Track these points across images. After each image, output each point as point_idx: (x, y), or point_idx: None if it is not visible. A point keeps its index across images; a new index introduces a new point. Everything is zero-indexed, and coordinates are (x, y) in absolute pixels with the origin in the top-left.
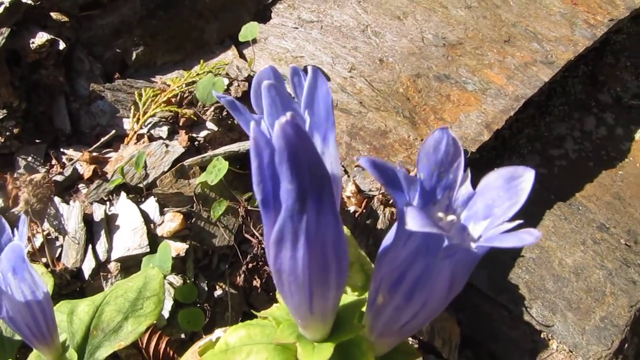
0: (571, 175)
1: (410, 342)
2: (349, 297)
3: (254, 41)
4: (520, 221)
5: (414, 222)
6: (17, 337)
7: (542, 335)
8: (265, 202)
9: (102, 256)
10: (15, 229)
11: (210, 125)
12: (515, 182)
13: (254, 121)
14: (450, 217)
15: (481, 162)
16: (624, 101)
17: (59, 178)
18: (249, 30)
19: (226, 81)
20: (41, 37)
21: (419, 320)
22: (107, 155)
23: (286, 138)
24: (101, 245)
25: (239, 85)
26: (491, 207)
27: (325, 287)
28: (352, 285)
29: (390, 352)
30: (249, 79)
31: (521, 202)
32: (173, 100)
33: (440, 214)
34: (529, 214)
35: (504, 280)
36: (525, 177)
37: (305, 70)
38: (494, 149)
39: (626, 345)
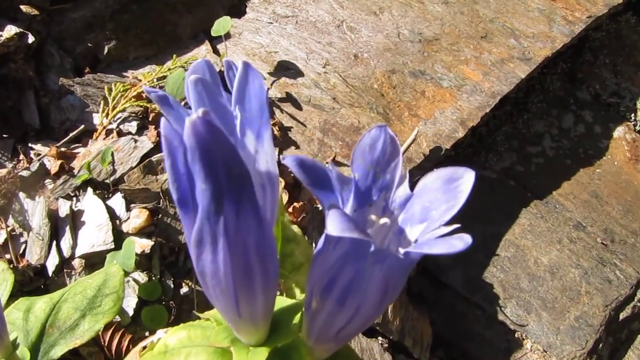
0: (548, 173)
1: (380, 341)
2: (287, 300)
3: (227, 36)
4: (457, 225)
5: (333, 226)
6: None
7: (516, 335)
8: (183, 202)
9: (67, 252)
10: None
11: None
12: (454, 184)
13: (163, 117)
14: (384, 220)
15: (457, 160)
16: (603, 99)
17: (25, 173)
18: (222, 24)
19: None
20: (9, 31)
21: (354, 326)
22: (76, 151)
23: (197, 135)
24: (66, 241)
25: None
26: (428, 210)
27: (251, 293)
28: (302, 286)
29: (331, 358)
30: (220, 74)
31: (459, 205)
32: (143, 95)
33: (373, 217)
34: (505, 213)
35: (478, 279)
36: (465, 179)
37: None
38: (471, 146)
39: (600, 345)
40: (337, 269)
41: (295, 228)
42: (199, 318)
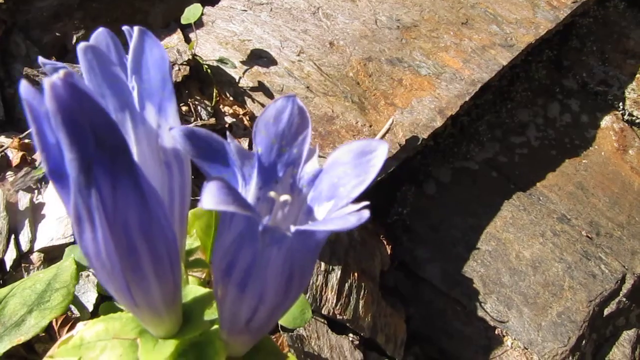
0: (533, 164)
1: (351, 338)
2: (200, 289)
3: (200, 24)
4: (366, 202)
5: (207, 198)
6: None
7: (496, 332)
8: (57, 175)
9: (25, 246)
10: None
11: None
12: (366, 158)
13: (23, 79)
14: (284, 197)
15: (438, 151)
16: (590, 87)
17: None
18: (192, 12)
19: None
20: None
21: (261, 317)
22: None
23: (58, 99)
24: (24, 235)
25: (179, 70)
26: (337, 187)
27: (140, 276)
28: None
29: (252, 351)
30: (189, 63)
31: (369, 180)
32: None
33: (273, 194)
34: (487, 205)
35: (457, 273)
36: (378, 152)
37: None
38: (452, 136)
39: (584, 342)
40: (234, 251)
41: None
42: (122, 310)
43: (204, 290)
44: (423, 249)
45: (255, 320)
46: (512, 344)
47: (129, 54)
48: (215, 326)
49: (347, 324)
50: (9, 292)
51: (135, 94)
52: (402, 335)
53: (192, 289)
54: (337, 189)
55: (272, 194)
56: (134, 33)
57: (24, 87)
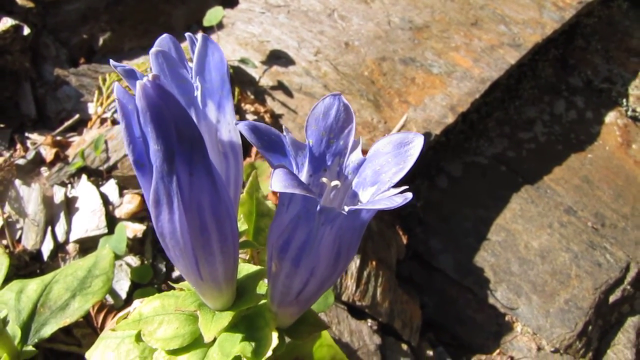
0: (540, 158)
1: (370, 324)
2: (252, 267)
3: (220, 26)
4: (406, 187)
5: (276, 182)
6: None
7: (506, 318)
8: (139, 164)
9: (61, 237)
10: None
11: None
12: (404, 148)
13: (116, 82)
14: (334, 182)
15: (449, 146)
16: (594, 85)
17: (21, 162)
18: (213, 14)
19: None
20: (5, 23)
21: (310, 289)
22: (71, 139)
23: (148, 98)
24: (60, 227)
25: None
26: (379, 173)
27: (209, 252)
28: None
29: (296, 323)
30: None
31: (407, 167)
32: None
33: (324, 180)
34: (497, 197)
35: (469, 263)
36: (415, 143)
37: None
38: (462, 132)
39: (590, 328)
40: (290, 230)
41: (269, 204)
42: (174, 288)
43: (255, 268)
44: (436, 240)
45: (304, 293)
46: (521, 329)
47: (194, 57)
48: (263, 300)
49: (366, 310)
50: (52, 279)
51: (198, 93)
52: (417, 321)
53: (244, 267)
54: (379, 176)
55: (324, 179)
56: (198, 39)
57: (117, 88)
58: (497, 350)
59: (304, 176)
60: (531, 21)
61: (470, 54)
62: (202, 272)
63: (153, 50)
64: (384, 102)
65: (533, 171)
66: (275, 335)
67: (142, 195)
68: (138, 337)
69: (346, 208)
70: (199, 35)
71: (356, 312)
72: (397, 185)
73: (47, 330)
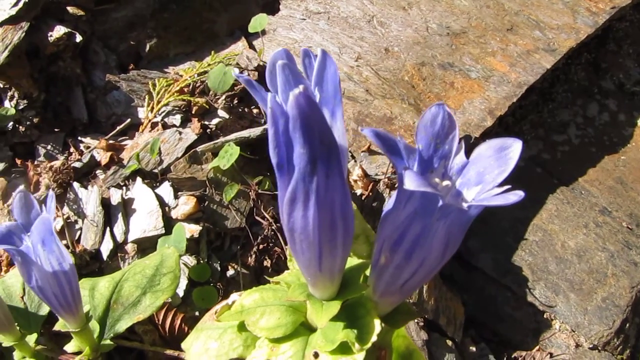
0: (574, 160)
1: (417, 320)
2: (353, 260)
3: (263, 32)
4: (509, 186)
5: (410, 182)
6: (42, 313)
7: (545, 316)
8: (280, 166)
9: (120, 238)
10: (43, 205)
11: (221, 113)
12: (504, 152)
13: (271, 93)
14: (446, 183)
15: None
16: (627, 88)
17: (77, 165)
18: (258, 21)
19: (237, 71)
20: (59, 31)
21: (416, 279)
22: (123, 143)
23: (299, 107)
24: (118, 227)
25: (249, 74)
26: (482, 175)
27: (333, 245)
28: (358, 255)
29: (392, 312)
30: (258, 69)
31: (509, 169)
32: (185, 89)
33: (437, 180)
34: (533, 199)
35: (507, 262)
36: (514, 148)
37: (314, 53)
38: (498, 135)
39: (627, 325)
40: (406, 225)
41: (353, 205)
42: (269, 282)
43: (358, 261)
44: (475, 240)
45: (409, 283)
46: (560, 326)
47: (315, 69)
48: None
49: (413, 307)
50: (122, 277)
51: (317, 101)
52: (460, 318)
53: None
54: (483, 176)
55: (436, 180)
56: (318, 54)
57: (271, 99)
58: (537, 347)
59: None
60: (565, 26)
61: (507, 58)
62: (322, 264)
63: (279, 63)
64: (424, 106)
65: (568, 173)
66: (378, 322)
67: (197, 197)
68: (241, 327)
69: (464, 204)
70: (319, 50)
71: None
72: (499, 185)
73: (122, 325)
